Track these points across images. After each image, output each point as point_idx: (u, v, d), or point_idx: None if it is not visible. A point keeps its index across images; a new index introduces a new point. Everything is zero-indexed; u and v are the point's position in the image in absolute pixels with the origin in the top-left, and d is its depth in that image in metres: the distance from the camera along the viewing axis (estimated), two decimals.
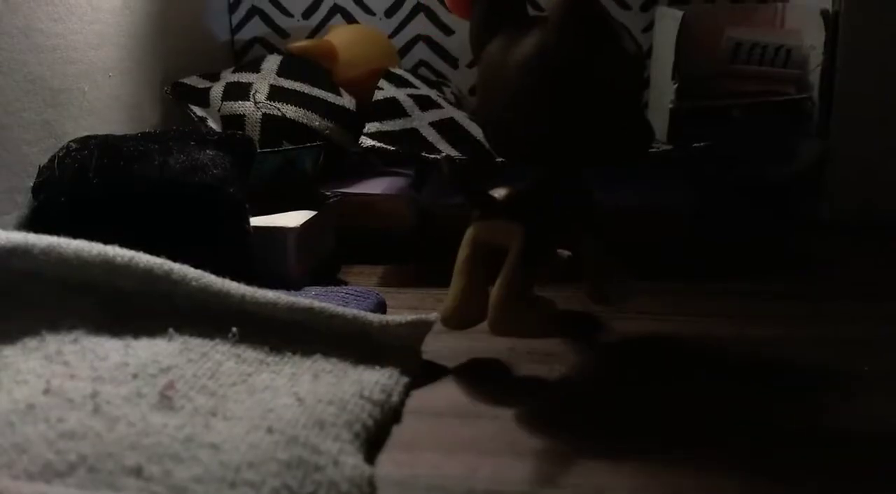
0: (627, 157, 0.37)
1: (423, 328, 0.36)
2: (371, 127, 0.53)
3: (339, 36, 0.69)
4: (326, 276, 0.50)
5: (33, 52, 0.46)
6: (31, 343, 0.29)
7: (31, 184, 0.43)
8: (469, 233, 0.37)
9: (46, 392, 0.27)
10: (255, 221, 0.45)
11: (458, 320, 0.37)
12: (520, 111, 0.35)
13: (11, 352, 0.29)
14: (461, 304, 0.37)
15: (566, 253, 0.40)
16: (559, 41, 0.33)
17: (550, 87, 0.33)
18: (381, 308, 0.43)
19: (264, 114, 0.58)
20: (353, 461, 0.27)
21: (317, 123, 0.59)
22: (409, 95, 0.58)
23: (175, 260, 0.33)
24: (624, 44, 0.34)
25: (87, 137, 0.44)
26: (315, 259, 0.50)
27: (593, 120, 0.34)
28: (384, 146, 0.51)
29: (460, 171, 0.36)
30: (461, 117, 0.58)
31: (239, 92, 0.59)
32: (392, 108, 0.56)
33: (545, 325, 0.35)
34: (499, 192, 0.36)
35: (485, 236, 0.36)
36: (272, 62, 0.64)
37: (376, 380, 0.32)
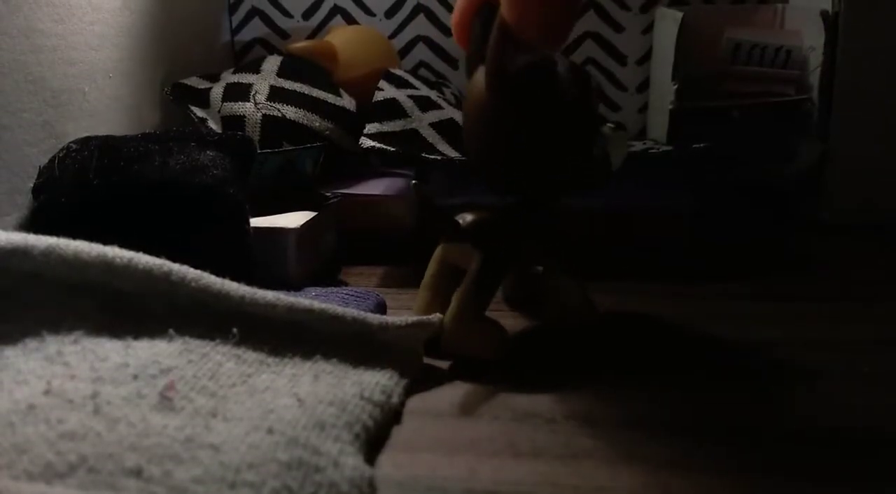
0: (580, 188, 0.40)
1: (424, 329, 0.36)
2: (371, 127, 0.53)
3: (340, 37, 0.69)
4: (327, 277, 0.50)
5: (33, 52, 0.46)
6: (32, 343, 0.29)
7: (32, 185, 0.43)
8: (437, 252, 0.40)
9: (47, 392, 0.27)
10: (256, 222, 0.45)
11: None
12: (473, 145, 0.38)
13: (12, 353, 0.29)
14: None
15: (539, 269, 0.42)
16: (489, 87, 0.35)
17: (492, 124, 0.37)
18: (381, 309, 0.43)
19: (264, 115, 0.58)
20: (353, 462, 0.27)
21: (317, 124, 0.59)
22: (410, 96, 0.58)
23: (175, 261, 0.33)
24: (559, 87, 0.37)
25: (88, 138, 0.44)
26: (315, 260, 0.50)
27: (535, 153, 0.37)
28: (384, 147, 0.51)
29: (428, 197, 0.38)
30: (461, 118, 0.58)
31: (239, 93, 0.59)
32: (392, 109, 0.56)
33: (492, 346, 0.37)
34: (463, 218, 0.38)
35: (449, 257, 0.39)
36: (272, 63, 0.64)
37: (377, 381, 0.32)
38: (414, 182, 0.39)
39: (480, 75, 0.36)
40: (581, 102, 0.37)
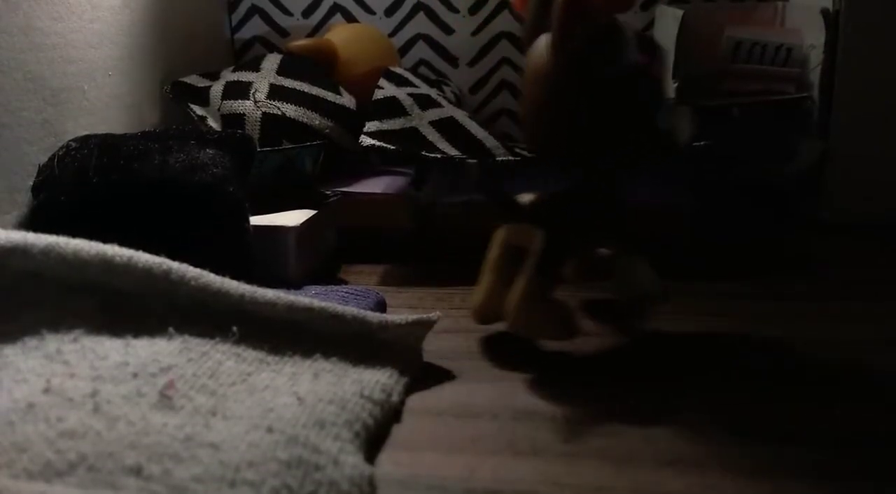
0: (641, 160, 0.39)
1: (423, 327, 0.36)
2: (371, 126, 0.53)
3: (339, 35, 0.69)
4: (326, 275, 0.50)
5: (33, 50, 0.46)
6: (31, 342, 0.29)
7: (31, 184, 0.43)
8: (498, 234, 0.39)
9: (46, 391, 0.27)
10: (255, 220, 0.45)
11: (484, 315, 0.39)
12: (532, 117, 0.37)
13: (11, 351, 0.29)
14: (486, 300, 0.39)
15: (605, 251, 0.41)
16: (554, 55, 0.34)
17: (555, 94, 0.35)
18: (381, 307, 0.43)
19: (264, 113, 0.58)
20: (353, 460, 0.27)
21: (317, 122, 0.59)
22: (409, 94, 0.58)
23: (175, 260, 0.33)
24: (624, 56, 0.35)
25: (87, 136, 0.44)
26: (315, 258, 0.50)
27: (598, 124, 0.35)
28: (384, 145, 0.51)
29: (489, 176, 0.37)
30: (461, 116, 0.58)
31: (239, 91, 0.59)
32: (392, 107, 0.56)
33: (558, 327, 0.37)
34: (524, 198, 0.38)
35: (511, 238, 0.39)
36: (272, 61, 0.64)
37: (376, 380, 0.32)
38: (475, 162, 0.38)
39: (541, 45, 0.35)
40: (647, 73, 0.36)
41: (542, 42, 0.35)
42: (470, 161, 0.39)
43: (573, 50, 0.34)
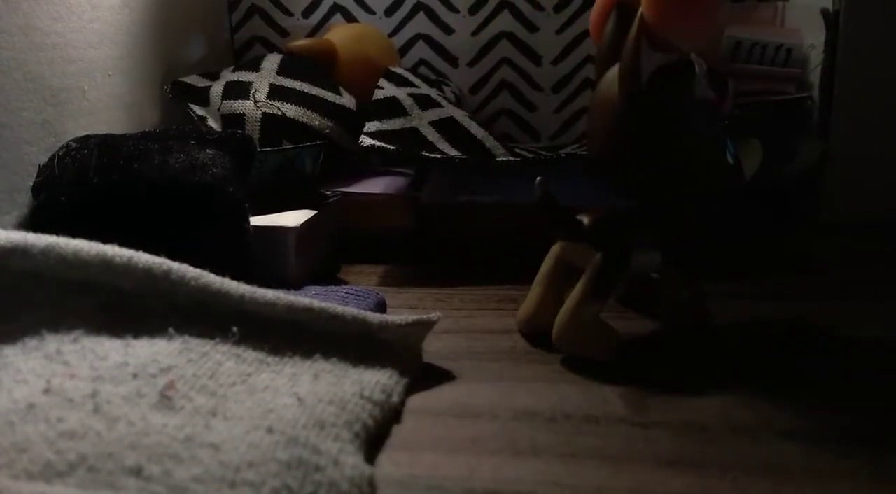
0: (708, 191, 0.39)
1: (423, 328, 0.36)
2: (371, 126, 0.53)
3: (339, 35, 0.69)
4: (326, 276, 0.50)
5: (33, 50, 0.46)
6: (31, 342, 0.29)
7: (31, 184, 0.43)
8: (553, 249, 0.40)
9: (46, 391, 0.27)
10: (255, 220, 0.45)
11: (529, 326, 0.40)
12: (599, 145, 0.37)
13: (11, 352, 0.29)
14: (535, 313, 0.40)
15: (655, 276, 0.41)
16: (623, 88, 0.35)
17: (623, 125, 0.36)
18: (381, 307, 0.43)
19: (264, 113, 0.58)
20: (353, 461, 0.27)
21: (317, 122, 0.59)
22: (409, 94, 0.58)
23: (175, 260, 0.33)
24: (694, 92, 0.36)
25: (87, 136, 0.44)
26: (315, 258, 0.50)
27: (665, 159, 0.36)
28: (384, 145, 0.51)
29: (550, 196, 0.38)
30: (461, 116, 0.58)
31: (239, 91, 0.59)
32: (392, 107, 0.56)
33: (603, 348, 0.37)
34: (584, 217, 0.38)
35: (566, 256, 0.39)
36: (272, 61, 0.64)
37: (376, 380, 0.32)
38: (539, 179, 0.38)
39: (612, 75, 0.35)
40: (717, 109, 0.36)
41: (615, 71, 0.35)
42: (537, 180, 0.39)
43: (642, 85, 0.34)
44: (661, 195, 0.38)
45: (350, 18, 0.79)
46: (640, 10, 0.33)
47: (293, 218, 0.47)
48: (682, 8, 0.32)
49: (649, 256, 0.38)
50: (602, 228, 0.37)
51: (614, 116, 0.36)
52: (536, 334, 0.39)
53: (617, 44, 0.35)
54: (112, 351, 0.30)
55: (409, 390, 0.34)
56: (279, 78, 0.61)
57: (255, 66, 0.63)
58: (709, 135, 0.37)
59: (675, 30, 0.32)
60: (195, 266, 0.33)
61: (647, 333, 0.41)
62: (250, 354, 0.32)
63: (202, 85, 0.62)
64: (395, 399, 0.32)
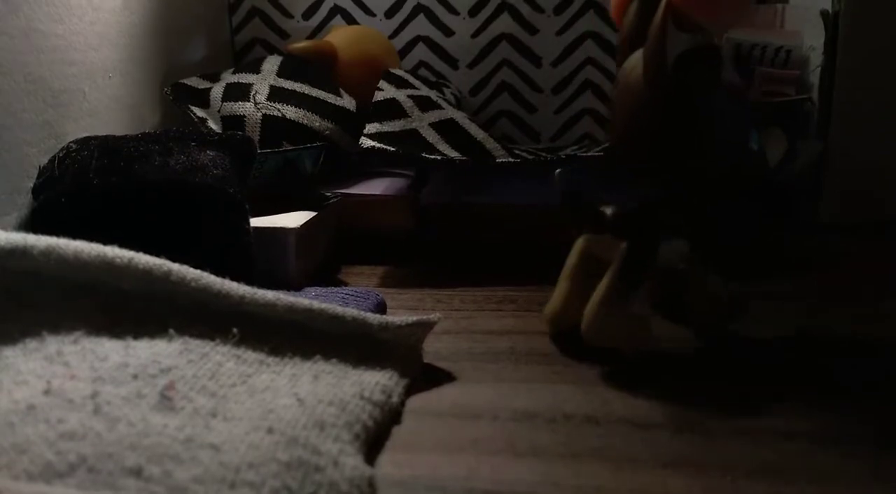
0: (734, 182, 0.38)
1: (423, 329, 0.36)
2: (371, 128, 0.53)
3: (340, 37, 0.69)
4: (326, 277, 0.50)
5: (33, 52, 0.46)
6: (32, 343, 0.29)
7: (32, 185, 0.43)
8: (578, 243, 0.39)
9: (47, 392, 0.27)
10: (256, 222, 0.45)
11: (557, 322, 0.40)
12: (622, 132, 0.37)
13: (11, 353, 0.29)
14: (562, 308, 0.39)
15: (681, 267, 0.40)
16: (647, 72, 0.34)
17: (646, 110, 0.35)
18: (381, 308, 0.43)
19: (264, 115, 0.58)
20: (353, 462, 0.27)
21: (317, 124, 0.59)
22: (409, 96, 0.58)
23: (175, 261, 0.33)
24: (720, 76, 0.35)
25: (88, 138, 0.44)
26: (315, 259, 0.50)
27: (688, 144, 0.35)
28: (384, 147, 0.51)
29: (573, 185, 0.37)
30: (461, 118, 0.58)
31: (239, 92, 0.59)
32: (392, 109, 0.56)
33: (633, 339, 0.37)
34: (608, 209, 0.37)
35: (591, 248, 0.38)
36: (272, 63, 0.64)
37: (377, 381, 0.32)
38: (558, 171, 0.38)
39: (635, 59, 0.35)
40: (743, 93, 0.36)
41: (637, 56, 0.35)
42: (557, 172, 0.38)
43: (667, 69, 0.34)
44: (686, 183, 0.37)
45: (350, 20, 0.79)
46: None
47: (293, 219, 0.47)
48: None
49: (676, 247, 0.38)
50: (627, 218, 0.37)
51: (637, 101, 0.35)
52: (565, 329, 0.39)
53: (640, 27, 0.34)
54: (112, 352, 0.30)
55: (409, 391, 0.34)
56: (279, 80, 0.61)
57: (255, 68, 0.63)
58: (734, 122, 0.36)
59: (704, 10, 0.32)
60: (195, 267, 0.33)
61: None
62: (250, 355, 0.32)
63: (202, 86, 0.62)
64: (395, 399, 0.32)
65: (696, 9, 0.31)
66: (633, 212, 0.37)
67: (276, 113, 0.58)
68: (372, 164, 0.62)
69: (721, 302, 0.40)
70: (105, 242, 0.32)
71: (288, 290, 0.40)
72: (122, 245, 0.32)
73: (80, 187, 0.40)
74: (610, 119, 0.38)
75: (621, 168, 0.39)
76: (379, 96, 0.57)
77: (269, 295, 0.34)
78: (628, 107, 0.36)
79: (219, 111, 0.59)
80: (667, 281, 0.41)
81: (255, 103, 0.58)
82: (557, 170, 0.38)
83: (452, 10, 0.78)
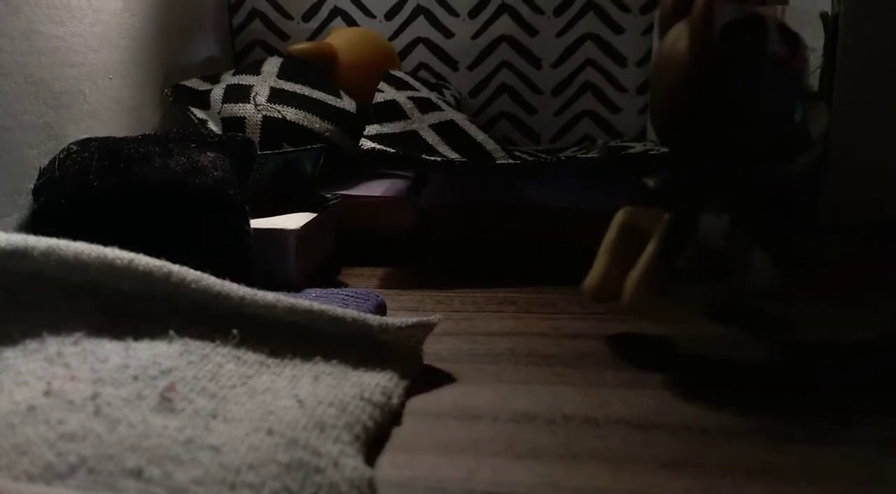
0: (777, 155, 0.37)
1: (423, 330, 0.36)
2: (371, 129, 0.54)
3: (340, 38, 0.70)
4: (326, 278, 0.51)
5: (34, 54, 0.46)
6: (32, 345, 0.29)
7: (32, 186, 0.43)
8: (618, 215, 0.39)
9: (47, 393, 0.27)
10: (256, 223, 0.45)
11: (597, 295, 0.39)
12: (665, 106, 0.36)
13: (12, 354, 0.29)
14: (602, 281, 0.39)
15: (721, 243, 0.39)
16: (692, 44, 0.34)
17: (690, 83, 0.34)
18: (381, 310, 0.43)
19: (265, 117, 0.58)
20: (353, 463, 0.27)
21: (317, 125, 0.59)
22: (410, 98, 0.58)
23: (175, 262, 0.33)
24: (765, 48, 0.35)
25: (88, 139, 0.44)
26: (315, 261, 0.50)
27: (733, 115, 0.35)
28: (384, 148, 0.51)
29: (616, 158, 0.37)
30: (461, 119, 0.58)
31: (239, 94, 0.60)
32: (392, 111, 0.56)
33: (677, 311, 0.36)
34: (650, 180, 0.37)
35: (631, 220, 0.38)
36: (272, 64, 0.64)
37: (377, 382, 0.32)
38: (601, 142, 0.38)
39: (677, 32, 0.35)
40: (788, 64, 0.35)
41: (680, 28, 0.34)
42: (598, 145, 0.38)
43: (713, 40, 0.33)
44: (730, 154, 0.36)
45: (350, 22, 0.79)
46: None
47: (293, 220, 0.47)
48: None
49: (717, 220, 0.37)
50: (669, 189, 0.36)
51: (682, 73, 0.35)
52: (605, 301, 0.39)
53: (684, 0, 0.34)
54: (113, 353, 0.30)
55: (409, 392, 0.34)
56: (279, 81, 0.61)
57: (255, 70, 0.63)
58: (779, 93, 0.35)
59: None
60: (196, 268, 0.33)
61: (646, 335, 0.41)
62: (251, 356, 0.32)
63: (203, 88, 0.62)
64: (395, 401, 0.32)
65: None
66: (676, 182, 0.36)
67: (276, 114, 0.58)
68: (372, 166, 0.63)
69: (762, 275, 0.39)
70: (105, 243, 0.32)
71: (288, 291, 0.40)
72: (122, 246, 0.32)
73: (81, 188, 0.40)
74: (652, 91, 0.38)
75: (663, 140, 0.38)
76: (379, 98, 0.57)
77: (270, 296, 0.34)
78: (672, 79, 0.35)
79: (219, 113, 0.59)
80: (706, 256, 0.39)
81: (256, 105, 0.58)
82: (600, 141, 0.38)
83: (452, 12, 0.78)
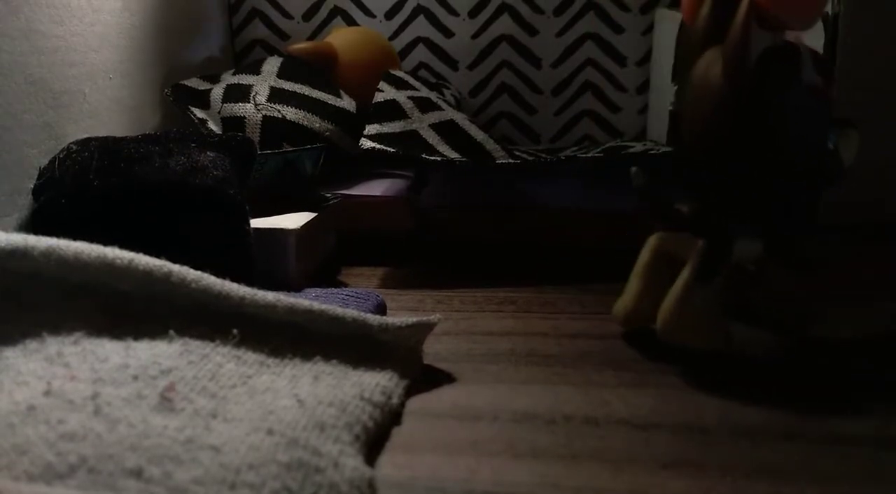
0: (811, 183, 0.38)
1: (423, 330, 0.36)
2: (371, 129, 0.54)
3: (340, 38, 0.70)
4: (327, 278, 0.51)
5: (34, 54, 0.46)
6: (32, 344, 0.29)
7: (32, 186, 0.43)
8: (651, 240, 0.39)
9: (47, 393, 0.27)
10: (256, 223, 0.45)
11: (628, 320, 0.40)
12: (696, 132, 0.37)
13: (12, 354, 0.29)
14: (635, 306, 0.39)
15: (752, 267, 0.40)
16: (726, 71, 0.34)
17: (724, 110, 0.35)
18: (381, 309, 0.43)
19: (265, 116, 0.58)
20: (353, 463, 0.27)
21: (317, 125, 0.59)
22: (410, 97, 0.58)
23: (175, 262, 0.33)
24: (800, 76, 0.35)
25: (88, 139, 0.44)
26: (315, 260, 0.50)
27: (768, 144, 0.35)
28: (384, 148, 0.51)
29: (651, 183, 0.37)
30: (461, 119, 0.58)
31: (239, 94, 0.60)
32: (392, 110, 0.56)
33: (711, 337, 0.36)
34: (686, 207, 0.37)
35: (664, 246, 0.38)
36: (272, 64, 0.64)
37: (377, 382, 0.32)
38: (635, 169, 0.37)
39: (710, 57, 0.35)
40: (822, 92, 0.35)
41: (714, 54, 0.35)
42: (634, 169, 0.38)
43: (748, 66, 0.33)
44: (761, 182, 0.36)
45: (350, 21, 0.79)
46: None
47: (293, 220, 0.47)
48: None
49: (750, 244, 0.37)
50: (704, 215, 0.37)
51: (717, 98, 0.35)
52: (635, 326, 0.39)
53: (714, 25, 0.34)
54: (113, 353, 0.30)
55: (409, 392, 0.34)
56: (279, 81, 0.61)
57: (255, 69, 0.63)
58: (813, 121, 0.36)
59: (788, 7, 0.31)
60: (196, 268, 0.33)
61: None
62: (251, 356, 0.32)
63: (203, 88, 0.62)
64: (395, 401, 0.32)
65: (777, 5, 0.31)
66: (711, 209, 0.37)
67: (276, 114, 0.58)
68: (372, 165, 0.62)
69: (797, 300, 0.39)
70: (105, 243, 0.32)
71: (288, 291, 0.40)
72: (122, 246, 0.32)
73: (81, 188, 0.40)
74: (682, 116, 0.38)
75: (696, 165, 0.38)
76: (379, 97, 0.57)
77: (270, 296, 0.34)
78: (704, 104, 0.35)
79: (219, 112, 0.59)
80: (738, 281, 0.40)
81: (256, 104, 0.58)
82: (633, 169, 0.38)
83: (452, 12, 0.78)
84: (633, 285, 0.40)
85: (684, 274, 0.36)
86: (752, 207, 0.37)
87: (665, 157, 0.59)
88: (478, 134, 0.56)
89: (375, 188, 0.57)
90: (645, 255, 0.39)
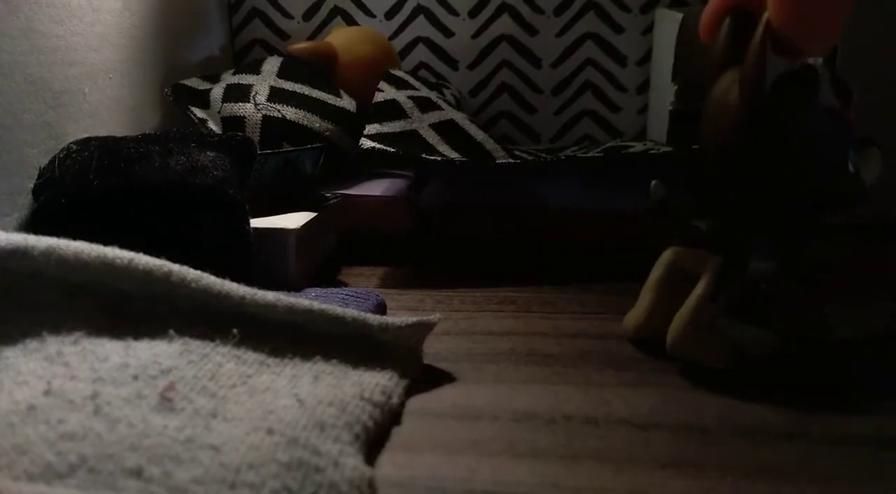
0: (830, 206, 0.38)
1: (423, 329, 0.36)
2: (371, 128, 0.54)
3: (340, 37, 0.70)
4: (327, 278, 0.51)
5: (34, 53, 0.46)
6: (32, 344, 0.29)
7: (32, 186, 0.43)
8: (665, 255, 0.39)
9: (47, 393, 0.27)
10: (256, 222, 0.45)
11: (638, 333, 0.40)
12: (714, 152, 0.37)
13: (12, 353, 0.29)
14: (646, 320, 0.39)
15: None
16: (743, 94, 0.34)
17: (741, 132, 0.35)
18: (381, 309, 0.43)
19: (265, 116, 0.58)
20: (353, 462, 0.27)
21: (317, 125, 0.59)
22: (410, 97, 0.58)
23: (175, 262, 0.33)
24: (818, 100, 0.35)
25: (88, 139, 0.44)
26: (315, 260, 0.50)
27: (786, 167, 0.35)
28: (384, 147, 0.51)
29: (667, 200, 0.38)
30: (461, 119, 0.58)
31: (239, 93, 0.59)
32: (392, 110, 0.56)
33: (722, 355, 0.36)
34: (704, 224, 0.37)
35: (680, 262, 0.38)
36: (272, 64, 0.64)
37: (377, 382, 0.32)
38: (654, 182, 0.37)
39: (727, 80, 0.35)
40: (841, 115, 0.35)
41: (733, 75, 0.35)
42: (653, 183, 0.38)
43: (764, 89, 0.34)
44: (779, 204, 0.37)
45: (350, 21, 0.79)
46: (766, 13, 0.32)
47: (293, 219, 0.47)
48: (813, 12, 0.31)
49: (765, 264, 0.37)
50: (721, 233, 0.37)
51: (732, 124, 0.35)
52: (645, 338, 0.39)
53: (732, 48, 0.34)
54: (113, 352, 0.30)
55: (409, 392, 0.34)
56: (279, 80, 0.61)
57: (255, 69, 0.63)
58: (831, 144, 0.35)
59: (803, 34, 0.31)
60: (196, 268, 0.33)
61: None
62: (250, 356, 0.32)
63: (203, 87, 0.62)
64: (395, 400, 0.32)
65: (794, 33, 0.31)
66: (728, 227, 0.37)
67: (276, 114, 0.58)
68: (372, 165, 0.62)
69: (808, 319, 0.39)
70: (105, 243, 0.32)
71: (288, 291, 0.40)
72: (122, 246, 0.32)
73: (81, 188, 0.40)
74: (700, 138, 0.38)
75: (713, 182, 0.38)
76: (379, 97, 0.57)
77: (270, 295, 0.34)
78: (721, 127, 0.36)
79: (219, 112, 0.59)
80: (748, 296, 0.39)
81: (256, 104, 0.58)
82: (653, 182, 0.38)
83: (452, 12, 0.78)
84: (646, 299, 0.39)
85: (697, 291, 0.36)
86: (772, 225, 0.37)
87: (665, 157, 0.59)
88: (478, 133, 0.56)
89: (375, 188, 0.57)
90: (658, 270, 0.39)
